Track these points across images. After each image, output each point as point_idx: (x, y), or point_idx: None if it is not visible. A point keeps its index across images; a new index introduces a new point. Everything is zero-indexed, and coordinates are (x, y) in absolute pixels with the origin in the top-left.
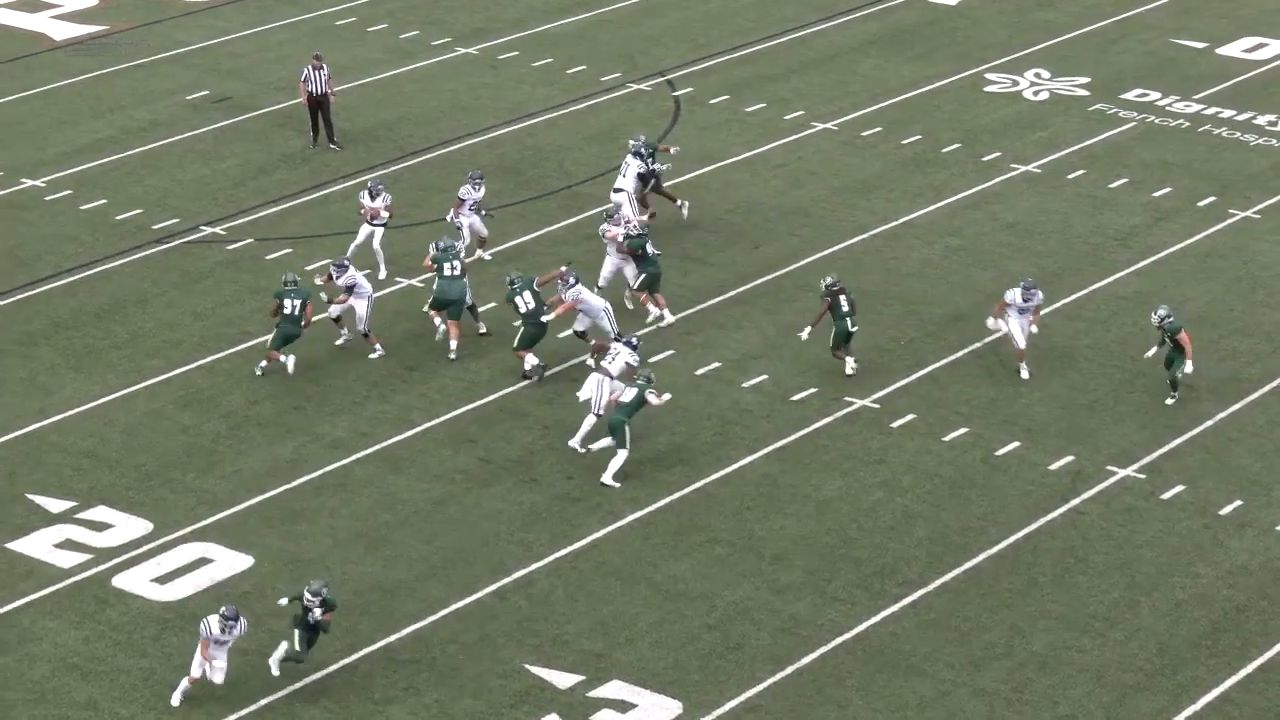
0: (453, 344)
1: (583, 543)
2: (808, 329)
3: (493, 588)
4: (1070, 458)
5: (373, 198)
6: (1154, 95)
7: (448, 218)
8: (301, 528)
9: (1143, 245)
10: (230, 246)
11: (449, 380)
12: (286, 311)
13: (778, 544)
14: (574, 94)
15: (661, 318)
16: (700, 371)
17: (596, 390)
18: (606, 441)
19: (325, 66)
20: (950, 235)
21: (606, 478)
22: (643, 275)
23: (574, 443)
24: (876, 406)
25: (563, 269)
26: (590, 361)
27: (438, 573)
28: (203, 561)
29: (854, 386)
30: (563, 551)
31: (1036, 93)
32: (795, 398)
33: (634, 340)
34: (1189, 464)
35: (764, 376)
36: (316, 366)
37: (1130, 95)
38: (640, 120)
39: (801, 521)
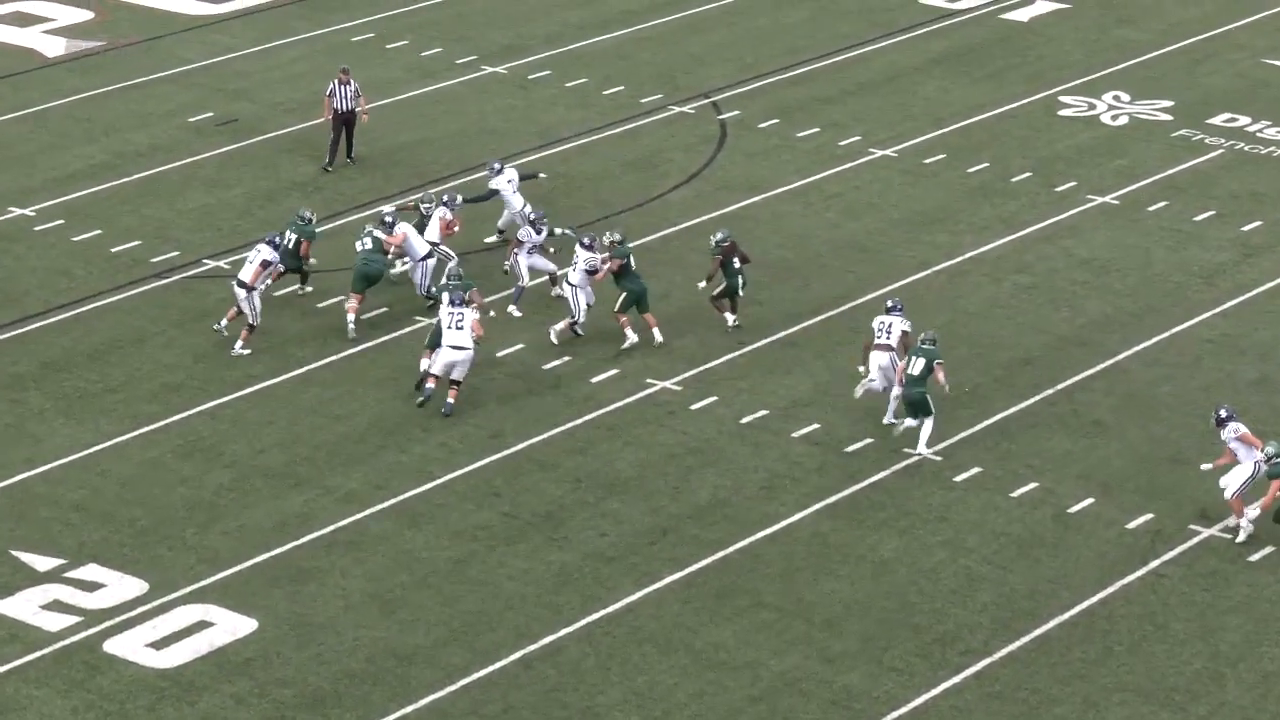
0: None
1: (616, 606)
2: (703, 283)
3: (518, 655)
4: (1149, 516)
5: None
6: (1243, 120)
7: (505, 264)
8: (310, 588)
9: (1230, 283)
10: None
11: (471, 428)
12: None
13: (829, 609)
14: (611, 117)
15: (652, 339)
16: (746, 420)
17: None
18: (911, 421)
19: (353, 81)
20: (1020, 272)
21: (922, 447)
22: (623, 294)
23: (887, 420)
24: (939, 459)
25: (616, 236)
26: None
27: (458, 638)
28: (202, 625)
29: (912, 437)
30: (594, 616)
31: (1115, 117)
32: (850, 449)
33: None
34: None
35: (815, 425)
36: (326, 413)
37: (1217, 120)
38: (683, 146)
39: (855, 584)
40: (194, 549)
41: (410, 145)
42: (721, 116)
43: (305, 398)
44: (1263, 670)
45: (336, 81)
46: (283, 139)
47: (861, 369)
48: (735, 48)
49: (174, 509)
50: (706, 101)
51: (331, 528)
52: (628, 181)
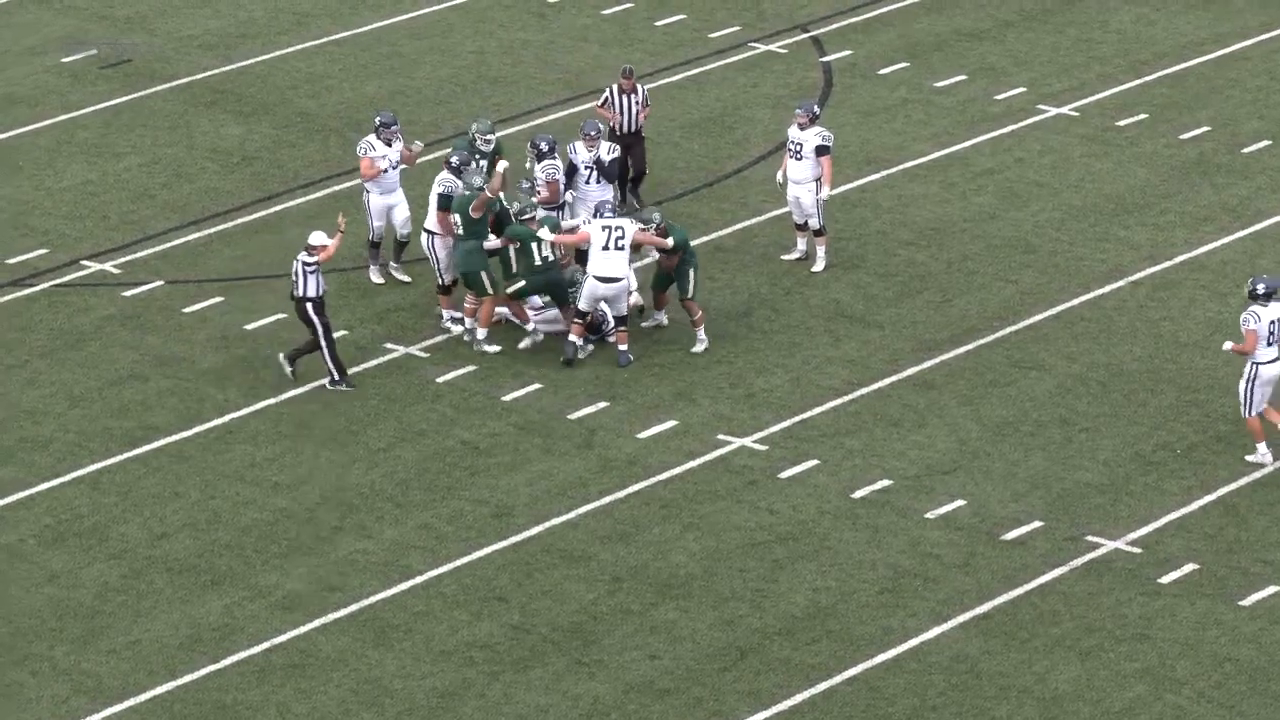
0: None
1: None
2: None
3: None
4: None
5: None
6: None
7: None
8: None
9: None
10: (128, 293)
11: (465, 503)
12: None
13: None
14: (667, 59)
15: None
16: (859, 493)
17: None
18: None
19: (640, 88)
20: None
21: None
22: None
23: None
24: (1136, 551)
25: (655, 217)
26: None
27: None
28: None
29: (1100, 519)
30: None
31: None
32: (1008, 535)
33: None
34: None
35: (960, 502)
36: (258, 480)
37: None
38: (770, 100)
39: None
40: (66, 674)
41: (378, 99)
42: (825, 59)
43: (228, 459)
44: None
45: (615, 88)
46: (196, 87)
47: None
48: None
49: (38, 617)
50: (804, 36)
51: (264, 646)
52: (691, 150)
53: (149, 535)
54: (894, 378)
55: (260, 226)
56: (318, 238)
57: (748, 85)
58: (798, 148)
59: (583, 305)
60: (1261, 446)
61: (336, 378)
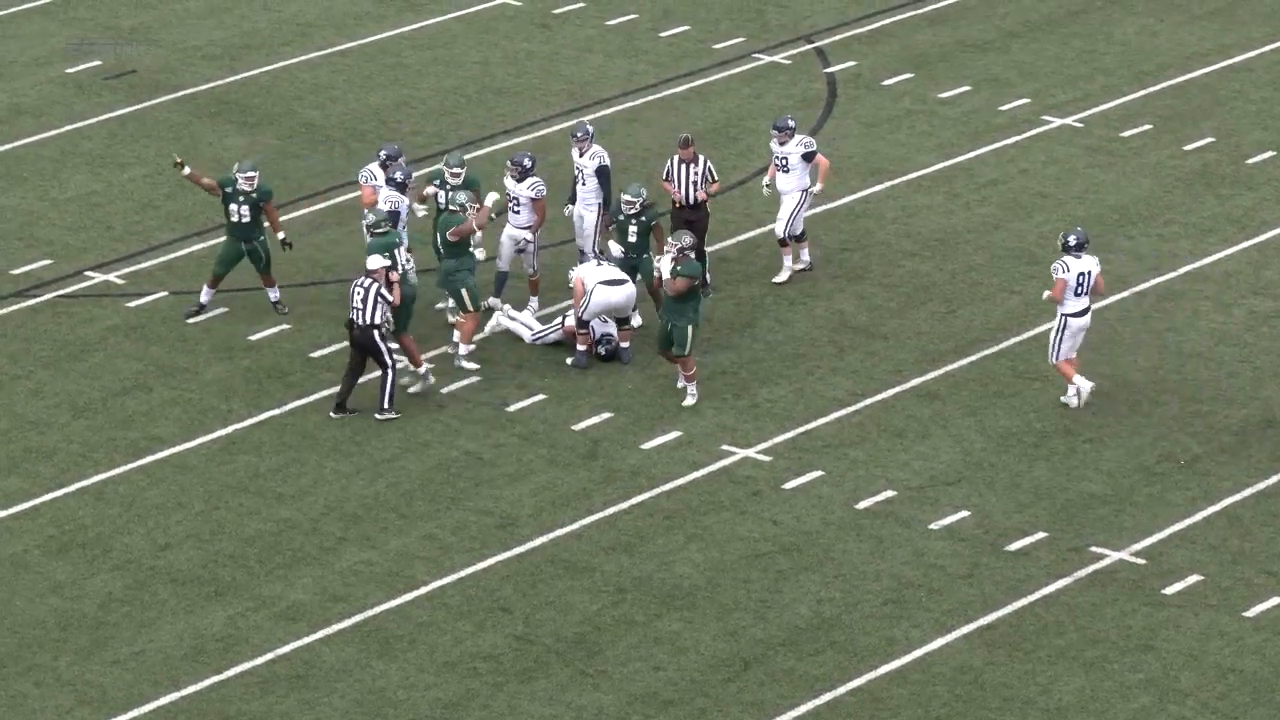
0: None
1: None
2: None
3: None
4: None
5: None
6: None
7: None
8: None
9: None
10: (132, 304)
11: (470, 514)
12: (234, 219)
13: None
14: (671, 70)
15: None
16: (863, 504)
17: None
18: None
19: (702, 157)
20: (1259, 293)
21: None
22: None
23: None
24: (1140, 562)
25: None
26: None
27: None
28: None
29: (1104, 530)
30: None
31: None
32: (1012, 546)
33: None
34: None
35: (964, 513)
36: (262, 491)
37: None
38: (773, 111)
39: None
40: (70, 685)
41: (382, 109)
42: (829, 69)
43: (232, 469)
44: None
45: (675, 159)
46: (202, 98)
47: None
48: None
49: (41, 628)
50: (808, 47)
51: (268, 657)
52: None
53: (153, 546)
54: (898, 388)
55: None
56: (375, 262)
57: (752, 96)
58: (784, 161)
59: (587, 315)
60: (1071, 388)
61: (388, 406)
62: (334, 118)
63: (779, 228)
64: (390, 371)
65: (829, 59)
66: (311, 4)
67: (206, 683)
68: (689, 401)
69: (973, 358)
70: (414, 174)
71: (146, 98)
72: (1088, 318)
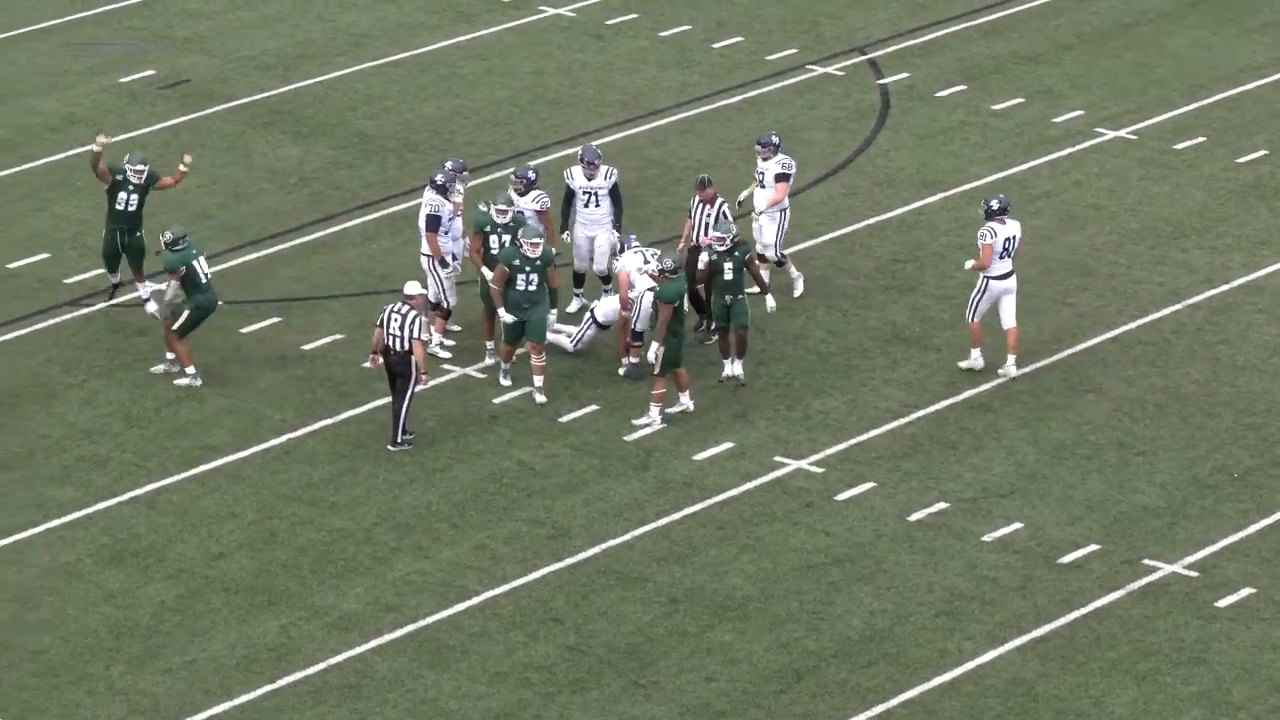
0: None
1: None
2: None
3: None
4: None
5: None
6: None
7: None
8: None
9: None
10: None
11: (522, 525)
12: (119, 206)
13: None
14: (724, 81)
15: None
16: (916, 516)
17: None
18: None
19: (720, 200)
20: None
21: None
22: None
23: None
24: (1193, 575)
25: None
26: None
27: None
28: None
29: (1157, 542)
30: None
31: None
32: (1065, 559)
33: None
34: None
35: (1016, 525)
36: (315, 500)
37: None
38: (827, 122)
39: None
40: (123, 694)
41: (435, 120)
42: (882, 81)
43: (285, 479)
44: None
45: (695, 199)
46: (254, 108)
47: None
48: None
49: (94, 637)
50: (861, 59)
51: (320, 666)
52: (748, 173)
53: (206, 555)
54: (951, 400)
55: (318, 247)
56: (413, 287)
57: (805, 108)
58: (761, 176)
59: (640, 325)
60: (975, 352)
61: (402, 439)
62: (388, 128)
63: (771, 251)
64: (412, 397)
65: (882, 70)
66: (365, 14)
67: (259, 692)
68: (682, 408)
69: (1026, 370)
70: (461, 186)
71: (200, 108)
72: (1011, 280)
